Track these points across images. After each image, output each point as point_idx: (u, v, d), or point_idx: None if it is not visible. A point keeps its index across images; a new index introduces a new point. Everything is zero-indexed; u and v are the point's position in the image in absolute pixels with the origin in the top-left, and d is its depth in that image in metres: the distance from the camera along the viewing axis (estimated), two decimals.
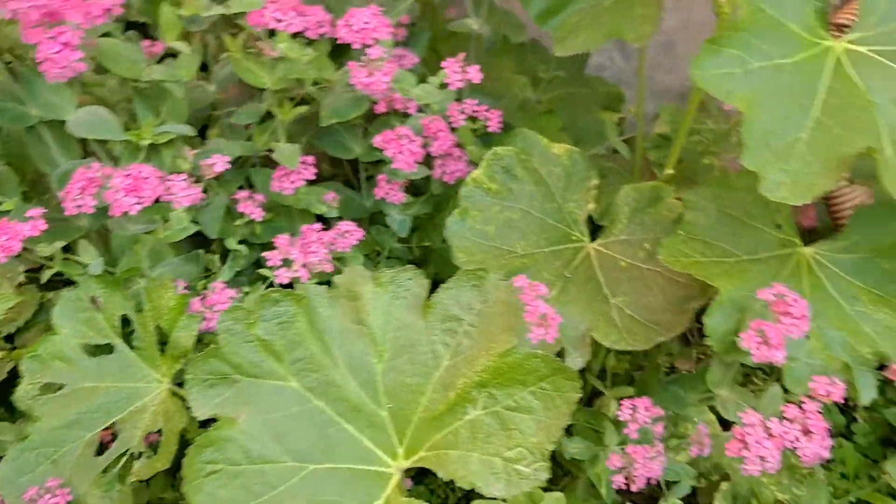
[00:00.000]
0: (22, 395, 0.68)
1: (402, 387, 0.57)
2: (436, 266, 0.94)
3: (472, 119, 0.83)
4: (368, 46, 0.68)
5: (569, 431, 0.82)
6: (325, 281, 0.73)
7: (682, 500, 1.06)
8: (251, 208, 0.81)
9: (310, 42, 0.73)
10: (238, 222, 0.82)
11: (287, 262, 0.73)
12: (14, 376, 0.82)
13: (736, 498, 0.92)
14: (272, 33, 0.74)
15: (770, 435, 0.58)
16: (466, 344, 0.56)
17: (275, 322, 0.61)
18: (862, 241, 0.69)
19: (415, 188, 0.92)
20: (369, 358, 0.57)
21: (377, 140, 0.79)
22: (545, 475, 0.50)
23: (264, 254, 0.74)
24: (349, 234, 0.78)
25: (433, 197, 0.89)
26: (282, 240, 0.74)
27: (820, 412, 0.59)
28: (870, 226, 0.69)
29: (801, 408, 0.59)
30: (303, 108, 0.82)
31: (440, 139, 0.79)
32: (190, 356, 0.70)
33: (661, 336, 0.71)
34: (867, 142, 0.54)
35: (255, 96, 0.83)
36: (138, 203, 0.67)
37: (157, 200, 0.69)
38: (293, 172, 0.80)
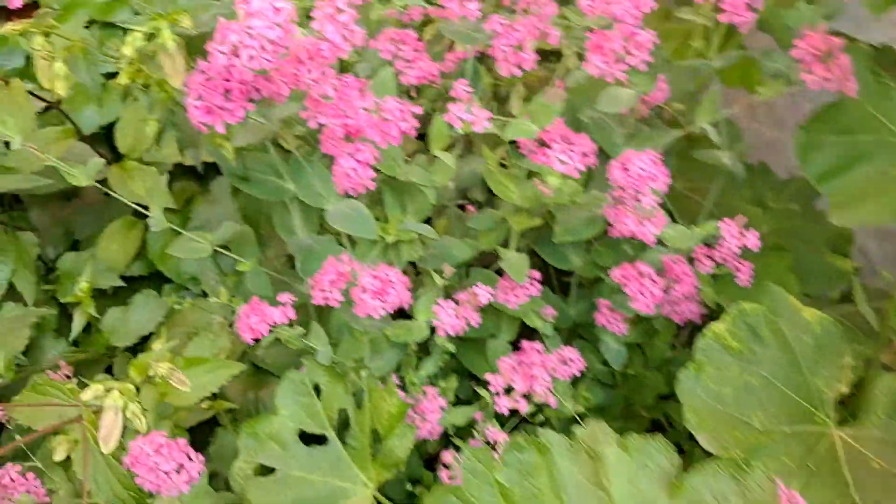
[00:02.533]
0: (237, 472, 0.69)
1: None
2: (629, 389, 0.90)
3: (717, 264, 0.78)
4: (640, 193, 0.65)
5: None
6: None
7: None
8: (469, 313, 0.80)
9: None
10: None
11: (509, 390, 0.71)
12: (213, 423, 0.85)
13: None
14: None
15: None
16: None
17: (516, 470, 0.58)
18: None
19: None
20: None
21: (616, 274, 0.75)
22: None
23: (487, 376, 0.72)
24: (572, 362, 0.75)
25: (651, 329, 0.84)
26: (505, 364, 0.72)
27: None
28: None
29: None
30: (538, 222, 0.80)
31: (684, 283, 0.74)
32: (400, 467, 0.69)
33: None
34: None
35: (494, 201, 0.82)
36: (383, 307, 0.66)
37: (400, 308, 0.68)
38: (519, 287, 0.78)
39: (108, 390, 0.58)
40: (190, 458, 0.55)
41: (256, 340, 0.67)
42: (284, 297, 0.69)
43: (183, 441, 0.56)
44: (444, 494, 0.57)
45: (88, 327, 0.95)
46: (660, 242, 0.79)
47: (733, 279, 0.78)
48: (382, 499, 0.68)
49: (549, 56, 0.85)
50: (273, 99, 0.57)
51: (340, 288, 0.68)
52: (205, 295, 1.03)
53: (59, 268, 0.99)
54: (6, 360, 0.78)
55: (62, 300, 0.97)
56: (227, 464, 0.71)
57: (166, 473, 0.54)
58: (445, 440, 0.80)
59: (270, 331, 0.67)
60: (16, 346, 0.79)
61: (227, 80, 0.52)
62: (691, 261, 0.78)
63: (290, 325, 0.69)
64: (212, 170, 1.02)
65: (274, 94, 0.55)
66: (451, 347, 0.80)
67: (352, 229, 0.69)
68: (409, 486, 0.78)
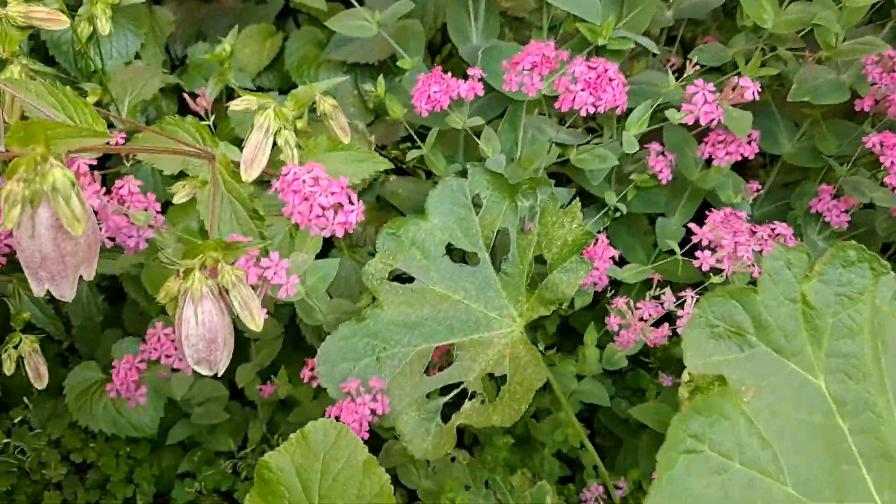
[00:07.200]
0: (371, 271, 0.58)
1: None
2: None
3: None
4: None
5: None
6: None
7: None
8: (661, 165, 0.66)
9: None
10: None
11: (713, 249, 0.57)
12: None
13: None
14: None
15: None
16: None
17: (834, 289, 0.41)
18: None
19: None
20: None
21: (872, 140, 0.60)
22: None
23: (691, 225, 0.58)
24: (782, 237, 0.61)
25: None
26: (716, 217, 0.58)
27: None
28: None
29: None
30: (772, 71, 0.66)
31: None
32: (563, 303, 0.57)
33: None
34: None
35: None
36: (594, 105, 0.54)
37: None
38: (733, 142, 0.64)
39: (261, 108, 0.47)
40: (350, 201, 0.44)
41: (431, 113, 0.55)
42: (475, 70, 0.56)
43: (344, 180, 0.44)
44: (724, 298, 0.40)
45: None
46: None
47: None
48: (527, 339, 0.56)
49: None
50: None
51: (542, 74, 0.55)
52: None
53: (190, 57, 0.90)
54: (130, 105, 0.69)
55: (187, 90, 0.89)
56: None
57: (322, 208, 0.43)
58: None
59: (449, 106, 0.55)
60: (143, 94, 0.70)
61: None
62: None
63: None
64: None
65: None
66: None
67: (570, 5, 0.56)
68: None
